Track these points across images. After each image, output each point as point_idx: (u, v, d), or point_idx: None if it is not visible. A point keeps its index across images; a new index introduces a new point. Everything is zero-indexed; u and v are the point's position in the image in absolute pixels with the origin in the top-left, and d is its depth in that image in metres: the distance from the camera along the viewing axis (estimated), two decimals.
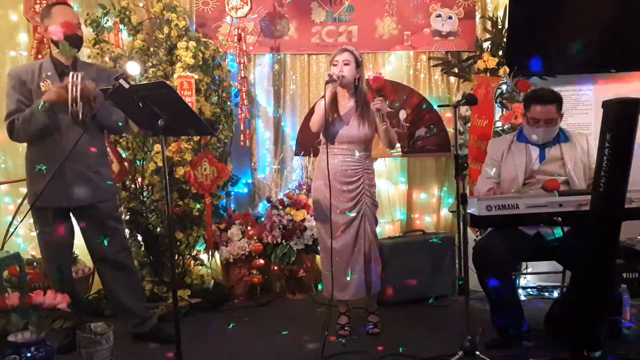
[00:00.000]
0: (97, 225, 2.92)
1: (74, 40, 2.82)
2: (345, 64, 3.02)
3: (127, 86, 2.38)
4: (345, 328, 3.13)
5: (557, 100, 2.88)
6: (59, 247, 2.91)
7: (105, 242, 2.92)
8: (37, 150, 2.82)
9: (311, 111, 3.54)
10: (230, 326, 3.33)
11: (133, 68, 2.64)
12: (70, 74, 2.66)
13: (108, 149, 3.24)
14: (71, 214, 2.93)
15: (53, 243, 2.87)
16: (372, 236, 3.10)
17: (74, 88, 2.63)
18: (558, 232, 2.82)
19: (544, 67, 3.73)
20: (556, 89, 2.99)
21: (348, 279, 3.05)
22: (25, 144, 2.90)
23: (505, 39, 3.90)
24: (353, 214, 3.04)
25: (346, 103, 3.10)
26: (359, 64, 3.06)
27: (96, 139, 2.91)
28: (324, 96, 3.01)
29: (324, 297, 3.32)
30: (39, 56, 3.40)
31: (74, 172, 2.80)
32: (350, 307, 3.23)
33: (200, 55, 3.66)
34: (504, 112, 3.71)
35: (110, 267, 2.98)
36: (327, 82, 2.95)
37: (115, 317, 3.20)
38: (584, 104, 4.01)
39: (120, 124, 2.90)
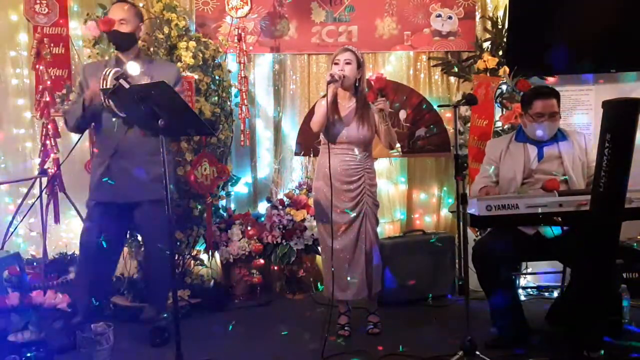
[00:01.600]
0: (140, 225, 2.97)
1: (113, 37, 2.89)
2: (347, 63, 3.01)
3: (127, 86, 2.38)
4: (345, 328, 3.13)
5: (557, 94, 2.92)
6: (100, 246, 2.88)
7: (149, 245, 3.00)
8: (97, 145, 2.98)
9: (311, 111, 3.53)
10: (230, 326, 3.33)
11: (133, 68, 2.65)
12: (105, 69, 2.66)
13: None
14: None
15: (94, 240, 2.88)
16: (373, 236, 3.10)
17: (104, 83, 2.60)
18: (550, 231, 2.82)
19: (543, 67, 3.73)
20: (556, 88, 2.99)
21: (349, 279, 3.05)
22: (28, 145, 2.91)
23: (505, 39, 3.90)
24: (354, 214, 3.04)
25: (346, 104, 3.10)
26: (360, 65, 3.06)
27: (147, 136, 2.82)
28: (324, 96, 3.01)
29: (324, 297, 3.32)
30: (39, 56, 3.41)
31: (119, 169, 2.85)
32: (351, 307, 3.23)
33: (200, 55, 3.66)
34: (504, 112, 3.71)
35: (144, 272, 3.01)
36: (328, 83, 2.94)
37: (115, 318, 3.20)
38: (584, 104, 4.01)
39: None
